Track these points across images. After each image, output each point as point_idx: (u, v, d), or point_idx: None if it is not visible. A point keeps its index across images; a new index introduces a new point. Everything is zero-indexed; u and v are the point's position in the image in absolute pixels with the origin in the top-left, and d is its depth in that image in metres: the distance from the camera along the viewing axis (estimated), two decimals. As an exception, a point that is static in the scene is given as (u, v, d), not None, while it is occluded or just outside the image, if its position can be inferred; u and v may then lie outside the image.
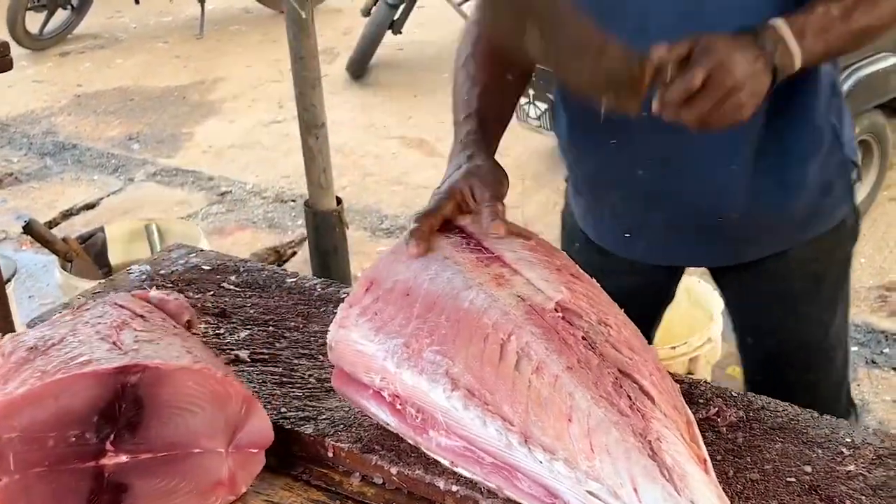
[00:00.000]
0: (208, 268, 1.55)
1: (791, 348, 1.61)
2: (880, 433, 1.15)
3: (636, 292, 1.34)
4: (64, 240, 2.99)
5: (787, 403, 1.20)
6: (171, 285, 1.49)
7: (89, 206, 4.99)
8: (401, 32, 6.34)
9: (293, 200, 4.89)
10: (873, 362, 3.45)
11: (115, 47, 7.32)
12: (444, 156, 4.78)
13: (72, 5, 7.20)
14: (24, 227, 2.93)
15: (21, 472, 0.99)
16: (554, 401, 0.99)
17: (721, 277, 1.67)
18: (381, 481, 1.15)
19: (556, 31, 1.16)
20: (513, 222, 1.24)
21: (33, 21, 6.96)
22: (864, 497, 1.06)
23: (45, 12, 7.03)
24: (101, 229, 3.20)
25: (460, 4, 6.55)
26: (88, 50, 7.28)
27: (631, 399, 1.00)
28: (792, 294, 1.58)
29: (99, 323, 1.08)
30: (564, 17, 1.16)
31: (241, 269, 1.55)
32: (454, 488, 1.09)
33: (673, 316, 1.86)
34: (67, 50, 7.24)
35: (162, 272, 1.54)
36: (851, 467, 1.10)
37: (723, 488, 0.98)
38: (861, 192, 4.55)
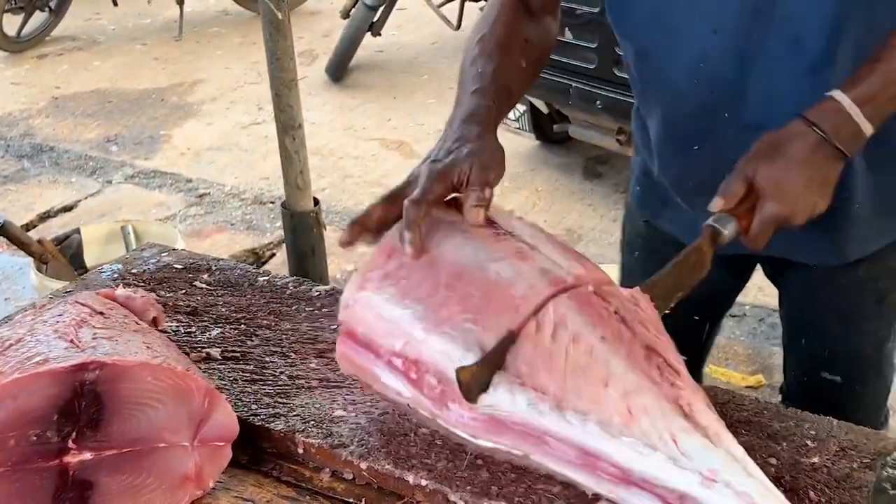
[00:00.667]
0: (180, 266, 1.55)
1: (843, 359, 1.57)
2: (844, 426, 1.16)
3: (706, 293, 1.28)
4: (39, 241, 2.97)
5: (753, 397, 1.21)
6: (142, 284, 1.49)
7: (67, 209, 4.97)
8: (380, 34, 6.35)
9: (272, 202, 4.89)
10: None
11: (93, 49, 7.29)
12: (423, 158, 4.78)
13: (49, 7, 7.17)
14: (-1, 230, 2.92)
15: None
16: (591, 368, 1.02)
17: (781, 277, 1.63)
18: (350, 476, 1.15)
19: None
20: (503, 207, 1.24)
21: (11, 23, 6.92)
22: (827, 489, 1.07)
23: (22, 14, 6.99)
24: (77, 231, 3.19)
25: (440, 6, 6.56)
26: (66, 52, 7.25)
27: (660, 371, 1.03)
28: (855, 306, 1.54)
29: (58, 322, 1.07)
30: None
31: (213, 268, 1.55)
32: (423, 482, 1.10)
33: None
34: (45, 52, 7.21)
35: (134, 271, 1.54)
36: (816, 459, 1.11)
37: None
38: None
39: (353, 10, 6.15)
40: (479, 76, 1.31)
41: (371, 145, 5.57)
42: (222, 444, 1.12)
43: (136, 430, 1.03)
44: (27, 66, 6.97)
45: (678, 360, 1.06)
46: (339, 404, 1.23)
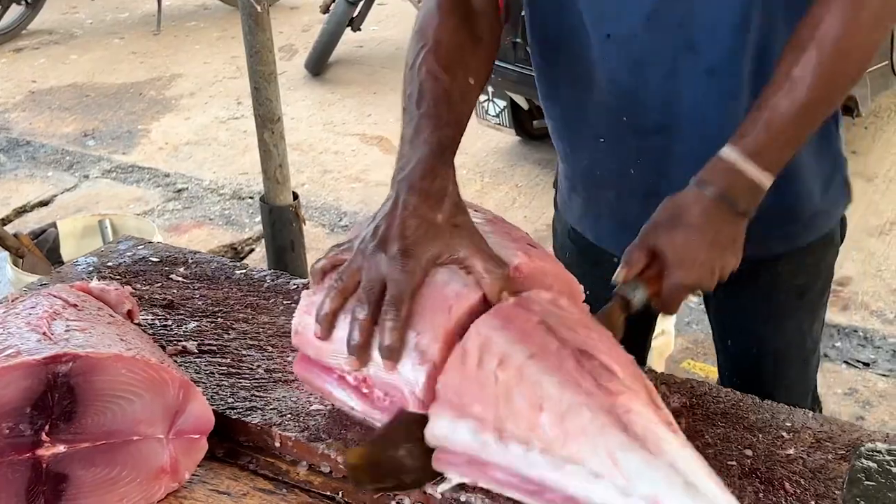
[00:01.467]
0: (156, 259, 1.53)
1: (770, 354, 1.60)
2: (819, 418, 1.17)
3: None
4: (15, 235, 2.95)
5: (729, 389, 1.22)
6: (118, 277, 1.48)
7: (43, 203, 4.93)
8: (360, 29, 6.33)
9: (251, 197, 4.87)
10: (825, 356, 3.50)
11: (70, 43, 7.24)
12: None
13: (26, 1, 7.11)
14: (-27, 223, 2.89)
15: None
16: (523, 391, 0.99)
17: None
18: (328, 469, 1.15)
19: None
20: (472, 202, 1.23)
21: (-13, 17, 6.88)
22: (802, 479, 1.08)
23: (-2, 7, 6.95)
24: (54, 225, 3.17)
25: (420, 2, 6.54)
26: (43, 46, 7.19)
27: (594, 378, 1.00)
28: (777, 304, 1.56)
29: (30, 314, 1.06)
30: None
31: (190, 261, 1.54)
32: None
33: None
34: (21, 46, 7.14)
35: (109, 264, 1.52)
36: (791, 451, 1.12)
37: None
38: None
39: (333, 4, 6.13)
40: (432, 114, 1.22)
41: (351, 140, 5.55)
42: (198, 436, 1.11)
43: (111, 423, 1.02)
44: (3, 59, 6.91)
45: (612, 358, 1.03)
46: (315, 398, 1.22)
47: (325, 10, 6.19)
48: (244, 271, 1.52)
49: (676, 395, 1.20)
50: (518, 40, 4.71)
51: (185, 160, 5.39)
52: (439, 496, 1.08)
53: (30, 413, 0.99)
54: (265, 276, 1.52)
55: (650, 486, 0.91)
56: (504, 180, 5.05)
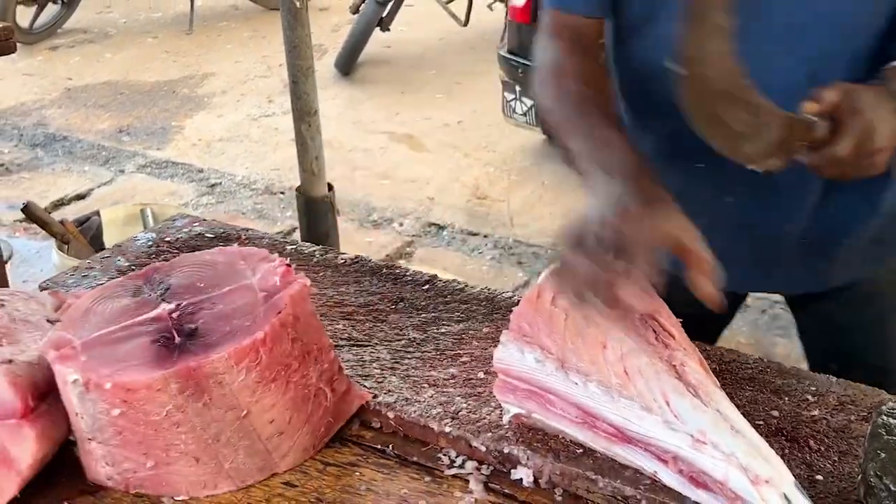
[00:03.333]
0: (211, 235, 1.62)
1: (874, 371, 1.49)
2: (843, 383, 1.23)
3: (701, 319, 1.21)
4: (61, 222, 3.05)
5: (757, 356, 1.28)
6: (175, 251, 1.56)
7: (80, 197, 5.04)
8: (389, 30, 6.42)
9: (282, 192, 4.96)
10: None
11: (105, 42, 7.37)
12: (431, 151, 4.94)
13: (62, 0, 7.25)
14: (22, 209, 2.99)
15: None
16: (589, 330, 1.09)
17: (797, 303, 1.63)
18: (378, 425, 1.22)
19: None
20: None
21: (24, 15, 7.00)
22: (826, 438, 1.14)
23: (35, 7, 7.08)
24: (97, 213, 3.27)
25: (448, 2, 6.64)
26: (78, 44, 7.32)
27: (656, 333, 1.11)
28: (879, 318, 1.54)
29: None
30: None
31: (243, 237, 1.62)
32: (447, 429, 1.17)
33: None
34: (57, 44, 7.28)
35: (167, 239, 1.61)
36: (815, 412, 1.18)
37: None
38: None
39: (363, 5, 6.23)
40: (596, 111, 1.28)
41: (380, 138, 5.64)
42: (13, 420, 1.09)
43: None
44: (40, 57, 7.05)
45: (672, 323, 1.12)
46: (365, 361, 1.30)
47: (355, 10, 6.28)
48: (295, 247, 1.60)
49: (707, 361, 1.27)
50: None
51: (217, 156, 5.49)
52: (483, 448, 1.15)
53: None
54: (314, 251, 1.59)
55: (698, 424, 0.99)
56: (530, 178, 5.11)
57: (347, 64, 6.43)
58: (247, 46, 7.17)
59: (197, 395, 1.04)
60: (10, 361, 1.06)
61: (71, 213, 4.88)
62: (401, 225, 4.68)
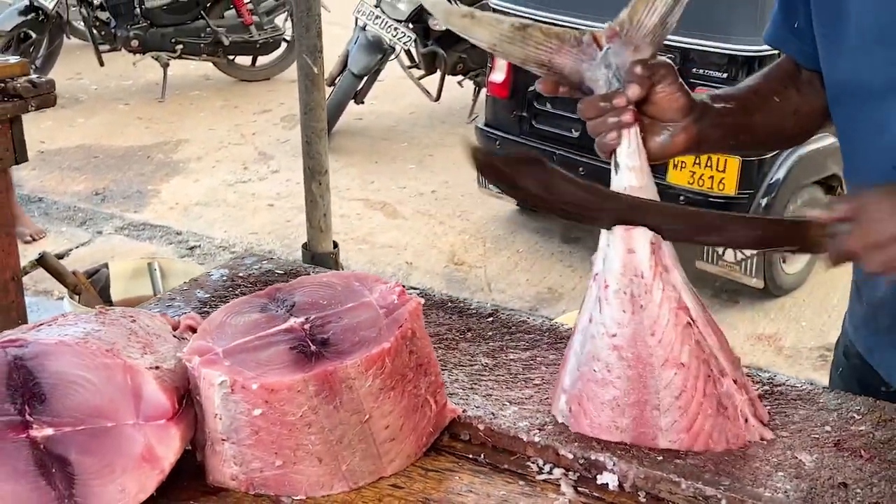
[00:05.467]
0: (281, 272, 1.73)
1: None
2: (882, 404, 1.38)
3: None
4: (73, 273, 3.12)
5: (803, 380, 1.43)
6: (250, 285, 1.67)
7: (59, 257, 5.06)
8: (363, 102, 6.62)
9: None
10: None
11: (76, 107, 7.45)
12: (406, 218, 5.21)
13: (34, 66, 7.32)
14: (38, 260, 3.06)
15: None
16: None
17: None
18: (467, 437, 1.33)
19: None
20: None
21: (-4, 78, 7.05)
22: (874, 449, 1.28)
23: (8, 70, 7.13)
24: (105, 265, 3.34)
25: (420, 79, 6.87)
26: (49, 109, 7.36)
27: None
28: None
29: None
30: None
31: (311, 273, 1.74)
32: (536, 439, 1.29)
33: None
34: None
35: (240, 275, 1.71)
36: (863, 427, 1.33)
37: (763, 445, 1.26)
38: (799, 263, 4.90)
39: (339, 78, 6.42)
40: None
41: (355, 205, 5.78)
42: (163, 421, 1.15)
43: (79, 407, 1.13)
44: (11, 120, 7.09)
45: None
46: (446, 382, 1.41)
47: (331, 82, 6.47)
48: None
49: (759, 384, 1.41)
50: (524, 114, 5.00)
51: (195, 219, 5.57)
52: (571, 456, 1.27)
53: (7, 392, 1.13)
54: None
55: None
56: (505, 246, 5.28)
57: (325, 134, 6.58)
58: (219, 115, 7.31)
59: (330, 397, 1.14)
60: (157, 368, 1.16)
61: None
62: (383, 288, 4.79)
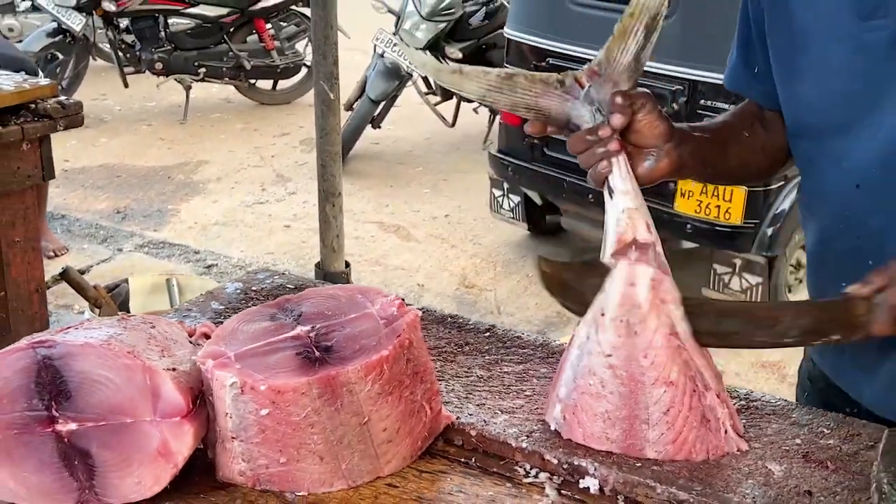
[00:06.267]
0: (292, 286, 1.83)
1: None
2: (850, 420, 1.46)
3: None
4: (94, 287, 3.23)
5: (778, 397, 1.52)
6: (263, 297, 1.78)
7: (80, 272, 5.19)
8: (380, 127, 6.75)
9: (279, 275, 5.17)
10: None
11: (101, 127, 7.61)
12: (419, 241, 5.37)
13: (61, 86, 7.50)
14: (61, 274, 3.17)
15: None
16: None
17: None
18: (460, 442, 1.43)
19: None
20: None
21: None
22: (840, 462, 1.37)
23: (35, 91, 7.31)
24: (125, 281, 3.45)
25: (436, 105, 7.00)
26: (73, 129, 7.53)
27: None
28: None
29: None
30: None
31: (318, 286, 1.84)
32: (524, 445, 1.38)
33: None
34: (53, 127, 7.50)
35: (254, 288, 1.82)
36: (831, 441, 1.41)
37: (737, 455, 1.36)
38: (806, 292, 4.96)
39: (357, 103, 6.56)
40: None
41: (370, 228, 5.90)
42: (178, 419, 1.24)
43: (101, 404, 1.23)
44: (36, 139, 7.25)
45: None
46: (442, 391, 1.50)
47: (349, 107, 6.61)
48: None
49: (735, 399, 1.50)
50: (536, 141, 5.12)
51: (213, 239, 5.70)
52: (555, 461, 1.36)
53: (36, 389, 1.23)
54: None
55: None
56: (515, 270, 5.38)
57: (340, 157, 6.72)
58: (239, 137, 7.46)
59: (332, 400, 1.24)
60: (174, 369, 1.26)
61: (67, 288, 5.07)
62: (395, 309, 4.89)
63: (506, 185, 5.35)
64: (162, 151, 7.13)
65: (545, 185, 5.13)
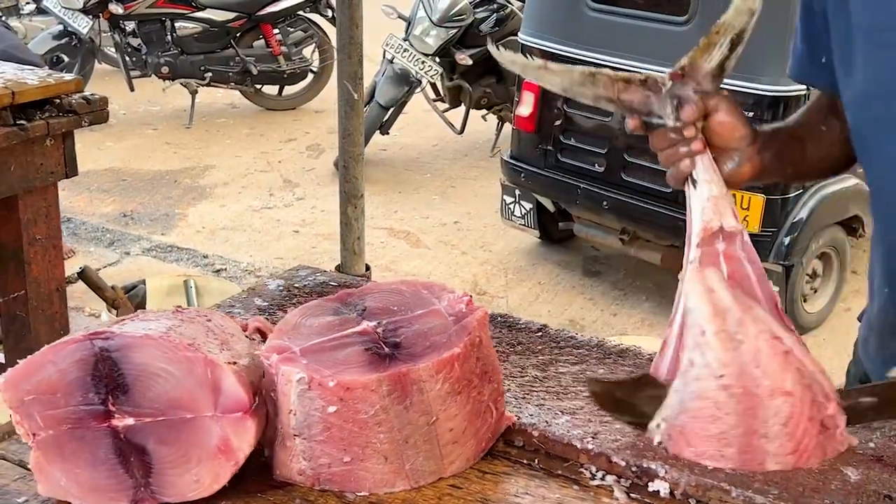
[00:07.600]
0: (335, 284, 1.79)
1: None
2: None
3: None
4: (112, 287, 3.18)
5: (846, 400, 1.48)
6: (305, 295, 1.73)
7: (93, 273, 5.17)
8: (388, 133, 6.72)
9: (289, 280, 5.12)
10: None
11: (106, 131, 7.54)
12: (429, 248, 5.33)
13: (66, 89, 7.45)
14: (78, 274, 3.13)
15: (51, 429, 1.19)
16: None
17: None
18: (521, 444, 1.38)
19: None
20: None
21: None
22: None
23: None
24: (143, 282, 3.41)
25: (444, 112, 6.97)
26: (78, 132, 7.46)
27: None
28: None
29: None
30: None
31: (360, 285, 1.80)
32: (589, 446, 1.34)
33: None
34: (58, 130, 7.45)
35: (296, 285, 1.78)
36: None
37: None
38: (820, 302, 4.94)
39: (366, 109, 6.52)
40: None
41: (379, 233, 5.85)
42: (240, 413, 1.19)
43: (160, 398, 1.18)
44: (41, 142, 7.21)
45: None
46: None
47: (358, 112, 6.57)
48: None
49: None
50: (550, 148, 5.08)
51: (222, 243, 5.65)
52: (623, 463, 1.32)
53: (92, 382, 1.18)
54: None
55: None
56: (527, 277, 5.34)
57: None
58: (245, 142, 7.42)
59: (401, 398, 1.20)
60: (235, 363, 1.21)
61: (79, 291, 5.01)
62: (407, 315, 4.85)
63: (517, 192, 5.31)
64: (168, 155, 7.08)
65: (558, 191, 5.09)
